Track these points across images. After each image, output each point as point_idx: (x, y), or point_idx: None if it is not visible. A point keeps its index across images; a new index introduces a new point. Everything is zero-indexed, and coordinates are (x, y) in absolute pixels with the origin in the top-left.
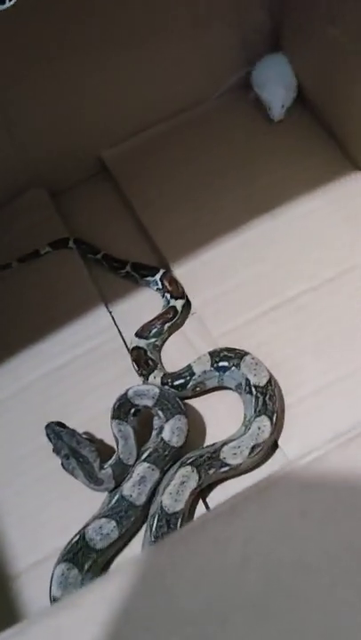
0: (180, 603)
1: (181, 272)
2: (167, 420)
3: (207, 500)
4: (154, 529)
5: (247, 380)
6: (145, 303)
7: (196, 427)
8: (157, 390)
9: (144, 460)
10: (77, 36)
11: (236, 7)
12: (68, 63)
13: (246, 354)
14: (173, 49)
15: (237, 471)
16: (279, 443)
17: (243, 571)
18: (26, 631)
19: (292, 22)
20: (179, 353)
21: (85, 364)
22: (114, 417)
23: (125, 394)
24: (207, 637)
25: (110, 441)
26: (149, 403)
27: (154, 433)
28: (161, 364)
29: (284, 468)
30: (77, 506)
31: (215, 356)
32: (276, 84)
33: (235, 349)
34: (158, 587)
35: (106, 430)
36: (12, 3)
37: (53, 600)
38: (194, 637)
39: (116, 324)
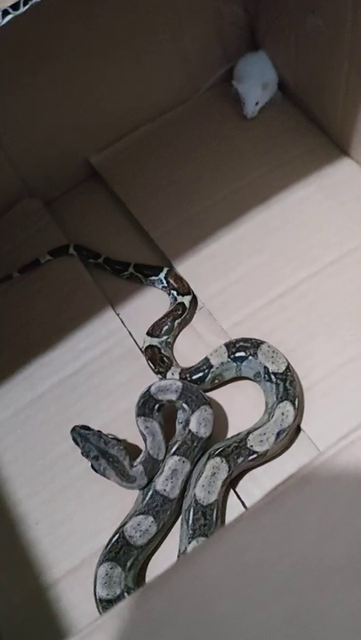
0: (272, 575)
1: (184, 269)
2: (193, 412)
3: (237, 489)
4: (191, 522)
5: (265, 368)
6: (151, 302)
7: (217, 418)
8: (180, 384)
9: (174, 454)
10: (58, 47)
11: (213, 3)
12: (50, 74)
13: (262, 342)
14: (154, 50)
15: (265, 458)
16: (301, 426)
17: (327, 539)
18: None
19: (268, 16)
20: (191, 348)
21: (99, 368)
22: (139, 414)
23: (148, 390)
24: (309, 603)
25: (134, 440)
26: (173, 397)
27: (180, 426)
28: (175, 360)
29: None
30: (108, 508)
31: (231, 347)
32: (253, 81)
33: (250, 339)
34: (244, 562)
35: (128, 430)
36: (26, 7)
37: (99, 601)
38: (296, 605)
39: (125, 325)
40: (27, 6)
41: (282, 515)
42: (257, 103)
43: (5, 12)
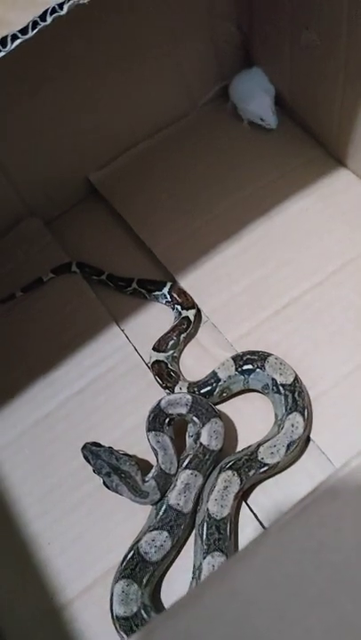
0: (309, 588)
1: (187, 283)
2: (203, 425)
3: (248, 501)
4: (205, 537)
5: (273, 379)
6: (155, 318)
7: (227, 431)
8: (190, 397)
9: (186, 467)
10: (57, 67)
11: (207, 21)
12: (49, 94)
13: (269, 355)
14: (150, 68)
15: (276, 470)
16: (311, 436)
17: None
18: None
19: (262, 32)
20: (197, 362)
21: (105, 385)
22: (150, 429)
23: (158, 405)
24: (347, 616)
25: (144, 455)
26: (183, 410)
27: (190, 439)
28: (182, 374)
29: None
30: (119, 525)
31: (239, 360)
32: (259, 94)
33: (257, 352)
34: (279, 575)
35: (137, 446)
36: (34, 32)
37: (116, 619)
38: (334, 618)
39: (130, 341)
40: (35, 31)
41: (314, 525)
42: (273, 112)
43: (14, 37)
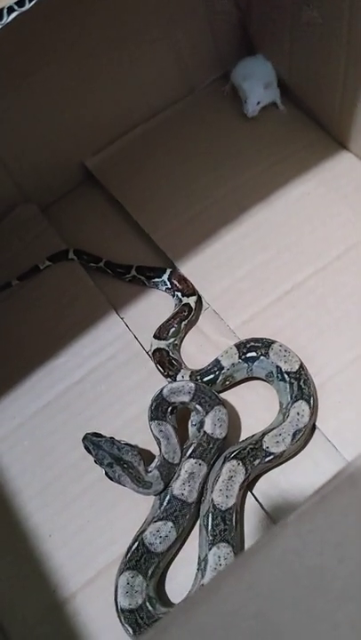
0: (332, 582)
1: (187, 269)
2: (207, 413)
3: (254, 491)
4: (210, 528)
5: (278, 367)
6: (155, 305)
7: (230, 420)
8: (192, 385)
9: (190, 457)
10: (51, 50)
11: (204, 1)
12: (43, 77)
13: (274, 342)
14: (147, 50)
15: (281, 459)
16: (317, 424)
17: None
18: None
19: (260, 10)
20: (198, 349)
21: (105, 374)
22: (152, 418)
23: (160, 393)
24: None
25: (146, 445)
26: (186, 398)
27: (193, 428)
28: (183, 362)
29: None
30: (122, 516)
31: (242, 347)
32: (255, 80)
33: (261, 339)
34: (300, 568)
35: (139, 436)
36: (32, 4)
37: (121, 611)
38: (359, 615)
39: (130, 329)
40: (32, 3)
41: (336, 515)
42: (258, 102)
43: (11, 9)
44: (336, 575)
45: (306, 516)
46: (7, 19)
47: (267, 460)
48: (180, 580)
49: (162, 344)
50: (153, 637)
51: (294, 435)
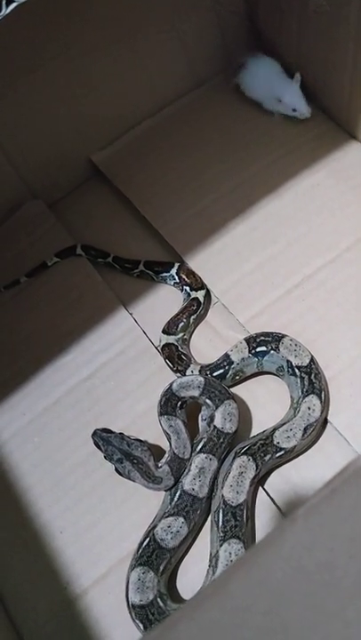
0: (343, 578)
1: (195, 264)
2: (217, 408)
3: (265, 486)
4: (221, 524)
5: (288, 361)
6: (163, 300)
7: (240, 415)
8: (202, 379)
9: (200, 452)
10: (56, 45)
11: None
12: (48, 72)
13: (284, 336)
14: (153, 43)
15: (293, 454)
16: (328, 418)
17: None
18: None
19: (266, 1)
20: (207, 344)
21: (114, 370)
22: (162, 413)
23: (170, 388)
24: None
25: (156, 441)
26: (196, 393)
27: (204, 423)
28: (193, 357)
29: None
30: (133, 512)
31: (252, 341)
32: (287, 84)
33: (271, 333)
34: (310, 564)
35: (149, 432)
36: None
37: (132, 607)
38: None
39: (138, 324)
40: None
41: (346, 509)
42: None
43: (9, 1)
44: (347, 571)
45: (316, 509)
46: (6, 10)
47: (278, 455)
48: (191, 576)
49: (171, 339)
50: (162, 633)
51: (305, 429)
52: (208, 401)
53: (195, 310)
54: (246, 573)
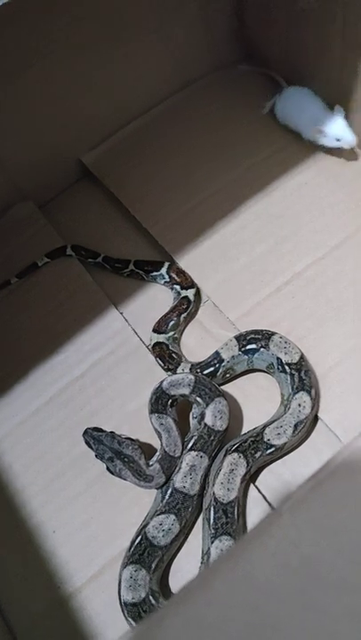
0: (329, 573)
1: (185, 262)
2: (207, 405)
3: (257, 483)
4: (212, 521)
5: (278, 359)
6: (154, 299)
7: (231, 413)
8: (192, 377)
9: (191, 449)
10: (44, 46)
11: None
12: (37, 74)
13: (274, 333)
14: (140, 43)
15: (283, 451)
16: (319, 414)
17: None
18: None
19: (254, 0)
20: (198, 342)
21: (106, 370)
22: (152, 411)
23: (160, 386)
24: None
25: (147, 439)
26: (186, 391)
27: (194, 421)
28: (184, 355)
29: None
30: (125, 511)
31: (242, 339)
32: (327, 114)
33: (261, 330)
34: (296, 559)
35: (140, 430)
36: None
37: (124, 605)
38: (357, 605)
39: (129, 323)
40: None
41: (332, 503)
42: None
43: None
44: (333, 566)
45: (302, 504)
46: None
47: (268, 452)
48: (183, 573)
49: (161, 338)
50: (148, 628)
51: (296, 426)
52: (198, 399)
53: (185, 309)
54: (232, 569)
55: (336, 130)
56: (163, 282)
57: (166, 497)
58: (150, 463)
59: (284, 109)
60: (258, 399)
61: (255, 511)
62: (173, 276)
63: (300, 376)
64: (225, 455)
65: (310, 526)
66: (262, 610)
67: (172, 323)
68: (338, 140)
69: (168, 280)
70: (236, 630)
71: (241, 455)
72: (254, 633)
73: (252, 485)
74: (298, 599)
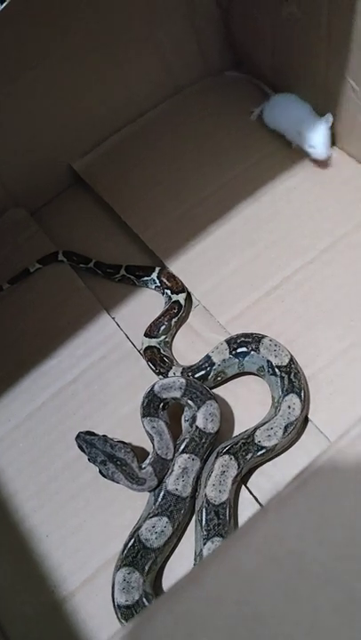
0: (313, 565)
1: (176, 267)
2: (199, 408)
3: (248, 485)
4: (204, 523)
5: (269, 362)
6: (145, 303)
7: (223, 415)
8: (183, 380)
9: (183, 452)
10: (35, 54)
11: (186, 0)
12: (28, 81)
13: (264, 336)
14: (130, 50)
15: (274, 452)
16: (309, 416)
17: None
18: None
19: (241, 8)
20: (189, 346)
21: (98, 374)
22: (144, 415)
23: (152, 389)
24: (354, 593)
25: (140, 443)
26: (177, 394)
27: (186, 424)
28: (175, 359)
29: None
30: (118, 514)
31: (233, 342)
32: (314, 120)
33: (251, 334)
34: (281, 553)
35: (133, 434)
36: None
37: (118, 607)
38: (341, 596)
39: (121, 328)
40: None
41: (315, 499)
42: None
43: None
44: (316, 558)
45: (287, 500)
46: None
47: (259, 453)
48: (176, 575)
49: (153, 342)
50: (139, 624)
51: (286, 428)
52: (190, 402)
53: (176, 313)
54: (219, 564)
55: (313, 138)
56: (154, 286)
57: (159, 499)
58: (143, 466)
59: (272, 115)
60: (249, 402)
61: (247, 512)
62: (164, 280)
63: (290, 378)
64: (216, 457)
65: (295, 521)
66: (249, 602)
67: (163, 327)
68: (311, 147)
69: (159, 285)
70: (225, 623)
71: (232, 457)
72: (242, 625)
73: (243, 487)
74: (283, 591)
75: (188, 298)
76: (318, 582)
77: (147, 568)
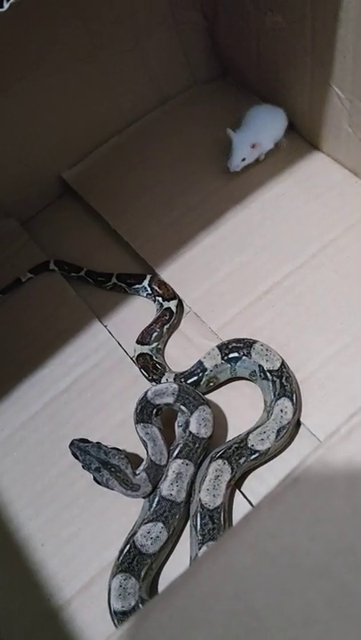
0: (305, 560)
1: (167, 275)
2: (192, 414)
3: (242, 489)
4: (199, 527)
5: (260, 366)
6: (137, 311)
7: (216, 420)
8: (176, 386)
9: (176, 457)
10: (23, 65)
11: (172, 11)
12: (16, 92)
13: (255, 341)
14: (117, 61)
15: (267, 456)
16: (301, 419)
17: (358, 517)
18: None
19: (226, 18)
20: (182, 352)
21: (91, 382)
22: (138, 421)
23: (145, 396)
24: (346, 586)
25: (133, 449)
26: (170, 400)
27: (179, 429)
28: (167, 366)
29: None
30: (113, 521)
31: (224, 348)
32: (246, 137)
33: (243, 339)
34: (274, 549)
35: (126, 441)
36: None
37: (114, 613)
38: (333, 589)
39: (113, 336)
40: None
41: (307, 496)
42: (243, 159)
43: None
44: (308, 553)
45: (279, 498)
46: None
47: (252, 457)
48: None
49: (145, 349)
50: (135, 623)
51: (278, 432)
52: (183, 407)
53: (167, 320)
54: (213, 562)
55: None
56: (145, 294)
57: (154, 505)
58: (137, 472)
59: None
60: (241, 406)
61: (241, 516)
62: (155, 288)
63: (282, 382)
64: (210, 462)
65: (287, 518)
66: (243, 598)
67: (155, 334)
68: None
69: (150, 292)
70: (219, 619)
71: (226, 461)
72: (236, 620)
73: (237, 491)
74: (276, 586)
75: (180, 304)
76: (311, 577)
77: (143, 574)
